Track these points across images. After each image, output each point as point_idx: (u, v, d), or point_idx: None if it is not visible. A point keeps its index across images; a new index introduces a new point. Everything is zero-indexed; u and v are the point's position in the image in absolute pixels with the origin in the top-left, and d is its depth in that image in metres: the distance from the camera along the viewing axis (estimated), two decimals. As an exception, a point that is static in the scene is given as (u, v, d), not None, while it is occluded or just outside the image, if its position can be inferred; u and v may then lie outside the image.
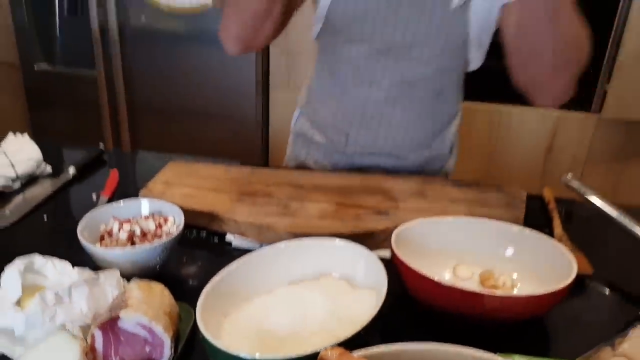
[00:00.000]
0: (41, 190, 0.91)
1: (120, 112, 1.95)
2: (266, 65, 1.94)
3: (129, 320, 0.49)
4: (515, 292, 0.66)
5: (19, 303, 0.53)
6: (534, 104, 0.88)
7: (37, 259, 0.57)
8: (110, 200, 0.88)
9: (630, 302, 0.70)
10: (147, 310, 0.50)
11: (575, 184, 0.89)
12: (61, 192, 0.92)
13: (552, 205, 0.93)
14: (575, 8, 0.75)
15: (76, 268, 0.58)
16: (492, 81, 1.89)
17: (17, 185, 0.91)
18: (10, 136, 0.99)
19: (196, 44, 1.86)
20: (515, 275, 0.69)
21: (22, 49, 1.96)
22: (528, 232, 0.70)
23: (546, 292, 0.57)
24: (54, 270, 0.56)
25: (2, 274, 0.54)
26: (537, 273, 0.66)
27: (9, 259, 0.57)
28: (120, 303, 0.51)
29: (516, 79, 0.85)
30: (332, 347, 0.45)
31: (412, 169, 1.05)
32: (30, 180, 0.94)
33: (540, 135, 1.89)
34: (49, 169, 0.98)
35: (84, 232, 0.65)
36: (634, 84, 1.74)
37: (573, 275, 0.59)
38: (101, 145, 1.08)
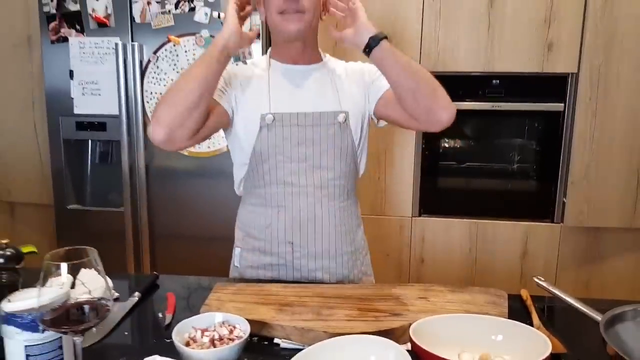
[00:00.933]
0: (116, 311, 1.11)
1: (143, 242, 2.18)
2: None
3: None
4: (507, 367, 0.87)
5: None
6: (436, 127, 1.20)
7: (157, 358, 0.77)
8: (172, 316, 1.08)
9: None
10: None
11: (544, 283, 1.14)
12: (132, 311, 1.12)
13: (529, 302, 1.16)
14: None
15: (182, 364, 0.78)
16: (469, 201, 2.22)
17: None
18: (84, 270, 1.20)
19: (211, 180, 2.16)
20: (507, 357, 0.90)
21: (57, 192, 2.22)
22: (512, 323, 0.93)
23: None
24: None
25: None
26: (522, 353, 0.87)
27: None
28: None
29: (415, 126, 1.24)
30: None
31: (344, 271, 1.31)
32: (105, 304, 1.14)
33: (514, 243, 2.16)
34: (116, 294, 1.18)
35: (178, 344, 0.85)
36: (585, 197, 2.07)
37: (548, 352, 0.81)
38: (155, 273, 1.30)
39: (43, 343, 0.82)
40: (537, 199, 2.19)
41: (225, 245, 2.16)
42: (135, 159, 2.13)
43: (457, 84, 2.10)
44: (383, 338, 0.87)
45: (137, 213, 2.18)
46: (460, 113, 1.98)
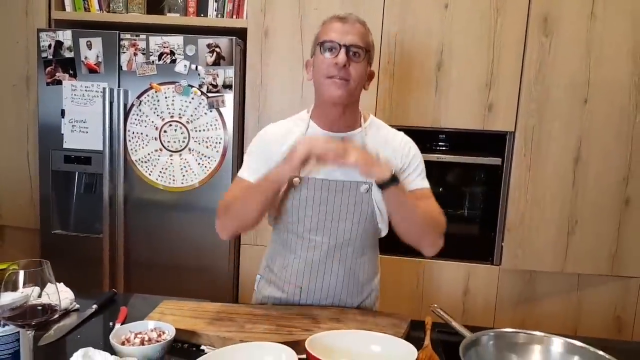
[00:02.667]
0: (74, 319, 1.30)
1: (118, 267, 2.38)
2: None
3: (146, 378, 0.88)
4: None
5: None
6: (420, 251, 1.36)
7: (90, 350, 0.97)
8: (121, 325, 1.28)
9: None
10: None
11: (438, 311, 1.33)
12: (87, 320, 1.31)
13: (428, 326, 1.35)
14: (431, 199, 1.33)
15: (112, 356, 0.98)
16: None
17: (56, 316, 1.30)
18: (50, 284, 1.40)
19: (183, 213, 2.37)
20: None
21: (44, 218, 2.43)
22: (389, 337, 1.12)
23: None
24: (99, 356, 0.96)
25: (72, 357, 0.94)
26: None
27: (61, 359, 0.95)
28: (140, 371, 0.90)
29: (401, 238, 1.33)
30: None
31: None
32: (65, 313, 1.34)
33: (457, 282, 2.35)
34: (77, 305, 1.38)
35: (112, 340, 1.05)
36: (520, 243, 2.27)
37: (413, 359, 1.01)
38: (114, 290, 1.49)
39: (2, 336, 1.02)
40: (479, 242, 2.39)
41: (194, 275, 2.37)
42: (116, 191, 2.35)
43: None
44: (279, 344, 1.07)
45: (114, 240, 2.38)
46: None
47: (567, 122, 2.21)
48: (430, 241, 1.34)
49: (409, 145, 1.40)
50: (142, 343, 1.07)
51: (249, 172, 1.39)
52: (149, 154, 2.34)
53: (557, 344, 1.09)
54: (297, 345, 1.16)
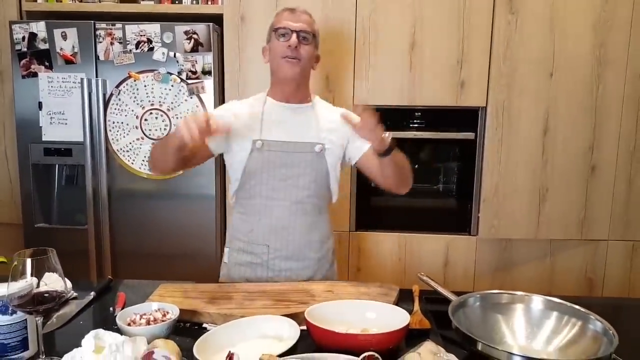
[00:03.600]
0: (74, 307, 1.34)
1: (105, 258, 2.40)
2: (224, 212, 2.49)
3: (158, 353, 0.94)
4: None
5: (94, 352, 0.96)
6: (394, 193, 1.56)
7: (100, 331, 1.01)
8: (121, 309, 1.32)
9: (451, 340, 1.18)
10: (167, 350, 0.95)
11: (425, 278, 1.41)
12: (87, 307, 1.35)
13: (416, 293, 1.44)
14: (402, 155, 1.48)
15: (121, 336, 1.02)
16: (398, 217, 2.51)
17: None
18: (47, 273, 1.43)
19: (167, 200, 2.40)
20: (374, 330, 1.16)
21: (26, 212, 2.43)
22: (383, 305, 1.20)
23: (388, 332, 1.06)
24: (109, 337, 1.01)
25: (84, 339, 0.98)
26: (388, 325, 1.14)
27: (66, 344, 1.00)
28: (152, 347, 0.96)
29: (382, 187, 1.57)
30: (267, 354, 0.91)
31: (309, 273, 1.60)
32: (64, 302, 1.37)
33: (437, 254, 2.46)
34: (75, 294, 1.41)
35: (121, 324, 1.10)
36: (495, 213, 2.38)
37: (406, 323, 1.09)
38: (110, 277, 1.53)
39: (11, 323, 1.05)
40: (456, 214, 2.50)
41: (181, 261, 2.40)
42: (99, 182, 2.36)
43: (384, 116, 2.40)
44: (280, 316, 1.14)
45: (100, 231, 2.40)
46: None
47: (535, 95, 2.32)
48: (407, 185, 1.57)
49: (352, 115, 1.53)
50: (147, 323, 1.12)
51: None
52: (130, 143, 2.35)
53: (537, 301, 1.18)
54: (295, 317, 1.23)
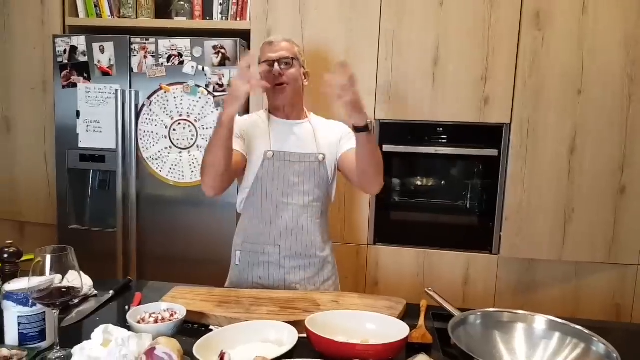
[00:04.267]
0: (93, 304, 1.41)
1: (131, 258, 2.49)
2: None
3: (159, 350, 0.99)
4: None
5: (102, 345, 1.02)
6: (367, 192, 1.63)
7: (110, 326, 1.07)
8: (136, 309, 1.38)
9: (452, 356, 1.18)
10: (169, 347, 1.00)
11: (432, 293, 1.42)
12: (105, 305, 1.42)
13: (423, 308, 1.44)
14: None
15: (128, 331, 1.08)
16: (418, 232, 2.51)
17: (76, 301, 1.41)
18: (71, 271, 1.51)
19: (192, 207, 2.48)
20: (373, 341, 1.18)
21: (61, 214, 2.56)
22: (383, 317, 1.22)
23: (386, 343, 1.07)
24: (117, 332, 1.06)
25: (93, 332, 1.04)
26: (387, 337, 1.16)
27: (80, 338, 1.06)
28: (155, 344, 1.00)
29: (358, 186, 1.68)
30: (261, 357, 0.94)
31: (315, 269, 1.71)
32: (84, 298, 1.45)
33: (456, 271, 2.43)
34: (95, 292, 1.49)
35: (130, 321, 1.15)
36: (518, 232, 2.35)
37: (404, 336, 1.10)
38: (129, 278, 1.60)
39: (31, 315, 1.12)
40: (478, 232, 2.47)
41: (203, 266, 2.47)
42: (128, 187, 2.47)
43: (406, 130, 2.43)
44: (281, 322, 1.17)
45: (127, 234, 2.50)
46: (409, 155, 2.38)
47: (562, 112, 2.28)
48: (380, 181, 1.62)
49: (341, 123, 1.77)
50: (155, 322, 1.17)
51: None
52: (159, 152, 2.45)
53: (540, 321, 1.17)
54: (298, 325, 1.25)
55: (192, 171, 2.44)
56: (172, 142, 2.43)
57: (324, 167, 1.70)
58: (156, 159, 2.46)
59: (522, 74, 2.29)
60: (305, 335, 1.17)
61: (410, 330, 1.28)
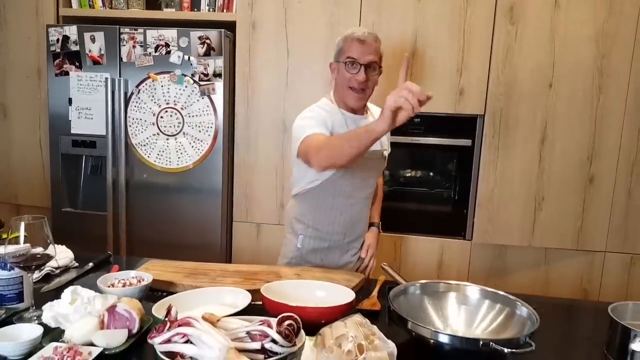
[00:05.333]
0: (73, 274, 1.52)
1: (121, 241, 2.61)
2: (230, 205, 2.65)
3: (120, 307, 1.09)
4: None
5: (70, 304, 1.13)
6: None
7: (78, 287, 1.18)
8: (112, 279, 1.49)
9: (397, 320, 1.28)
10: (129, 306, 1.10)
11: (386, 268, 1.51)
12: (84, 276, 1.53)
13: (380, 282, 1.54)
14: None
15: (94, 292, 1.19)
16: (395, 219, 2.60)
17: (58, 271, 1.53)
18: (58, 246, 1.62)
19: (179, 193, 2.58)
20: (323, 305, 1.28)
21: (55, 197, 2.67)
22: (333, 285, 1.32)
23: (333, 306, 1.17)
24: (85, 293, 1.17)
25: (62, 292, 1.15)
26: (334, 301, 1.26)
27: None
28: (117, 302, 1.11)
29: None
30: (208, 313, 1.04)
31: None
32: (66, 269, 1.56)
33: (431, 256, 2.53)
34: (76, 263, 1.60)
35: (100, 285, 1.26)
36: (490, 218, 2.44)
37: (351, 299, 1.20)
38: (109, 252, 1.71)
39: (8, 278, 1.23)
40: (452, 218, 2.56)
41: (190, 250, 2.58)
42: (118, 172, 2.58)
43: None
44: (237, 288, 1.27)
45: (117, 217, 2.61)
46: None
47: (533, 104, 2.36)
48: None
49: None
50: (123, 286, 1.28)
51: (319, 128, 1.57)
52: (147, 138, 2.55)
53: (471, 290, 1.27)
54: (256, 293, 1.36)
55: (179, 157, 2.55)
56: (159, 129, 2.54)
57: (384, 161, 1.81)
58: (144, 145, 2.56)
59: (496, 67, 2.37)
60: (260, 303, 1.27)
61: (364, 300, 1.39)
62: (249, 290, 1.33)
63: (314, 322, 1.16)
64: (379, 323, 1.23)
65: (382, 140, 1.67)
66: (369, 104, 1.78)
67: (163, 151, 2.55)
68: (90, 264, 1.59)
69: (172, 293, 1.40)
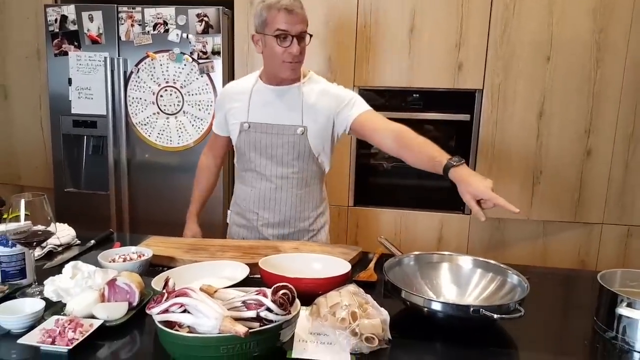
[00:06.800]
0: (76, 252, 1.56)
1: (124, 220, 2.65)
2: (232, 182, 2.67)
3: (120, 280, 1.12)
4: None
5: (71, 278, 1.16)
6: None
7: (79, 262, 1.21)
8: (114, 255, 1.53)
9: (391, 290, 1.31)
10: (129, 279, 1.14)
11: (383, 241, 1.54)
12: (86, 253, 1.57)
13: (377, 255, 1.57)
14: (376, 114, 1.59)
15: (95, 267, 1.22)
16: (395, 194, 2.62)
17: (60, 249, 1.56)
18: (59, 224, 1.66)
19: (180, 171, 2.61)
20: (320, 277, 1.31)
21: (58, 177, 2.71)
22: (330, 258, 1.34)
23: (329, 277, 1.20)
24: (86, 267, 1.20)
25: (64, 267, 1.19)
26: (331, 273, 1.29)
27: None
28: (117, 276, 1.14)
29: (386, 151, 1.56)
30: (206, 285, 1.07)
31: (299, 238, 1.72)
32: (68, 246, 1.59)
33: (431, 230, 2.56)
34: (78, 241, 1.64)
35: (101, 260, 1.30)
36: (487, 192, 2.45)
37: (347, 271, 1.23)
38: (111, 230, 1.75)
39: (10, 255, 1.27)
40: (451, 193, 2.55)
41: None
42: (120, 152, 2.60)
43: (383, 97, 2.53)
44: (235, 261, 1.30)
45: (120, 196, 2.65)
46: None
47: (531, 79, 2.36)
48: None
49: (339, 88, 1.65)
50: (124, 261, 1.31)
51: (215, 126, 1.80)
52: (147, 117, 2.57)
53: (464, 260, 1.30)
54: (255, 267, 1.39)
55: (180, 136, 2.57)
56: (159, 108, 2.55)
57: (305, 140, 1.62)
58: (145, 125, 2.58)
59: (494, 41, 2.36)
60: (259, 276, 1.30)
61: (360, 272, 1.42)
62: (247, 264, 1.36)
63: (310, 293, 1.19)
64: (374, 294, 1.26)
65: (304, 113, 1.59)
66: (311, 75, 1.67)
67: (164, 130, 2.57)
68: (92, 241, 1.63)
69: (172, 268, 1.44)
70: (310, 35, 1.56)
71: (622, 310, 1.06)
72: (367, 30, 2.46)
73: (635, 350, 1.05)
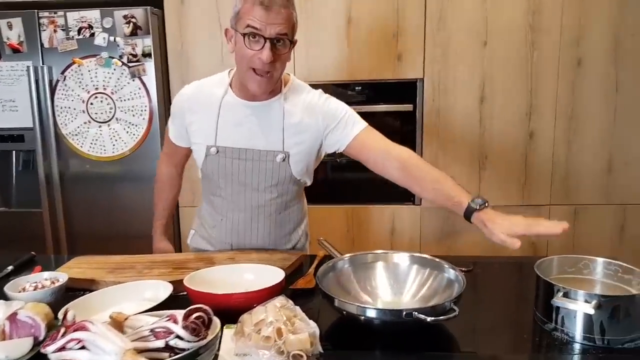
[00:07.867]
0: (-11, 279, 1.44)
1: (61, 238, 2.50)
2: (175, 192, 2.56)
3: (22, 314, 1.02)
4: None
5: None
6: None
7: (-19, 297, 1.10)
8: (33, 281, 1.41)
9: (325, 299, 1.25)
10: (33, 311, 1.03)
11: (324, 243, 1.48)
12: (3, 280, 1.44)
13: (318, 258, 1.51)
14: (374, 132, 1.45)
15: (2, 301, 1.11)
16: (345, 190, 2.57)
17: (-27, 278, 1.43)
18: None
19: (118, 181, 2.48)
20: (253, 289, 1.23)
21: (-15, 197, 2.54)
22: (263, 267, 1.27)
23: (259, 289, 1.12)
24: (-10, 302, 1.10)
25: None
26: (263, 283, 1.21)
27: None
28: (19, 309, 1.04)
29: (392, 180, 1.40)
30: (116, 313, 0.98)
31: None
32: (-18, 275, 1.47)
33: (383, 223, 2.51)
34: (-5, 268, 1.51)
35: (7, 290, 1.18)
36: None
37: (280, 280, 1.16)
38: (33, 253, 1.63)
39: None
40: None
41: (136, 240, 2.49)
42: (51, 166, 2.45)
43: (325, 92, 2.45)
44: (157, 280, 1.21)
45: (54, 213, 2.50)
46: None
47: (470, 65, 2.34)
48: None
49: (328, 102, 1.41)
50: (35, 289, 1.20)
51: (173, 136, 1.51)
52: (78, 127, 2.43)
53: (399, 257, 1.25)
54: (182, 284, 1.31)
55: (114, 145, 2.44)
56: (90, 116, 2.42)
57: (286, 166, 1.38)
58: (76, 135, 2.44)
59: (431, 30, 2.33)
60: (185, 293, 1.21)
61: (300, 278, 1.36)
62: (177, 281, 1.27)
63: (243, 308, 1.11)
64: (313, 302, 1.20)
65: (285, 132, 1.35)
66: (292, 81, 1.42)
67: (96, 140, 2.44)
68: (10, 267, 1.50)
69: (93, 291, 1.34)
70: (293, 42, 1.27)
71: (558, 301, 1.03)
72: (302, 23, 2.35)
73: (575, 342, 1.02)
